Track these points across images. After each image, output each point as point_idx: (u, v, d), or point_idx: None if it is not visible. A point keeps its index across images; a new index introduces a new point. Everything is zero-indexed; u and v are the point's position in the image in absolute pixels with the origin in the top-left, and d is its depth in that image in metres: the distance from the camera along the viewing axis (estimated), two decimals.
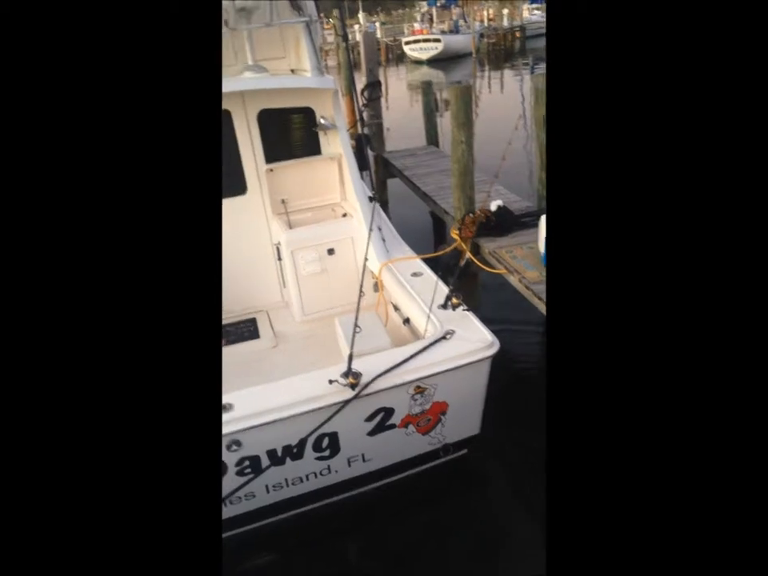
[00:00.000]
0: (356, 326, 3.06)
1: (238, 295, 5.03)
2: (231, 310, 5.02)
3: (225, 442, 2.85)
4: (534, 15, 41.33)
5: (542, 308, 4.19)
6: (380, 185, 8.56)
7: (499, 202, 5.40)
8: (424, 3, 42.29)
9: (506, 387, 4.27)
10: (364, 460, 3.37)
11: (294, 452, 3.06)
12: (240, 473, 3.00)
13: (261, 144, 4.73)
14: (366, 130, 7.57)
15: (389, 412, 3.19)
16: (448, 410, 3.40)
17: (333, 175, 5.01)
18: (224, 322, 4.93)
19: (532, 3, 42.76)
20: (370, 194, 4.95)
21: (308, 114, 4.75)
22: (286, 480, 3.23)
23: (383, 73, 10.19)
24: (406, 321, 4.01)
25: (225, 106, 4.53)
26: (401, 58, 36.71)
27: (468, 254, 4.70)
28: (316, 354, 4.27)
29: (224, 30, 4.15)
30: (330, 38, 25.91)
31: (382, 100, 10.27)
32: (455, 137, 5.42)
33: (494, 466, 4.05)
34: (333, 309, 4.65)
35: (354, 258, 4.71)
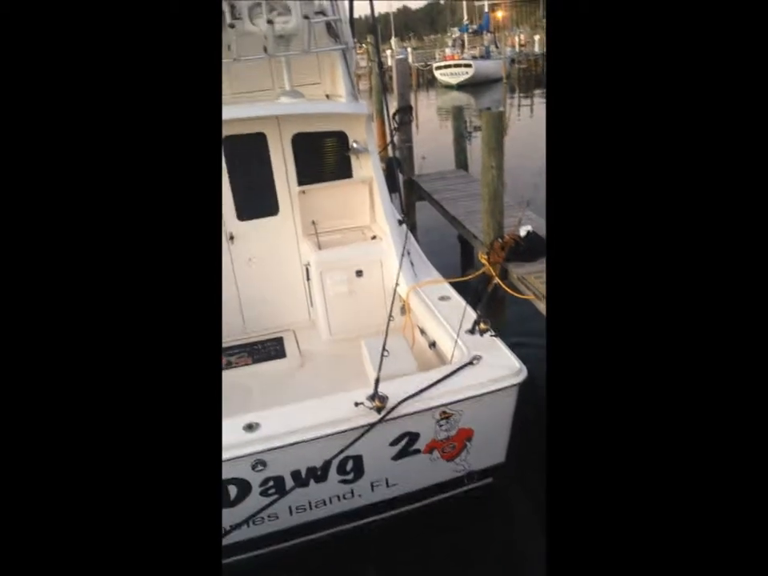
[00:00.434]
0: (384, 349, 3.06)
1: (265, 313, 5.09)
2: (258, 328, 5.08)
3: (250, 461, 2.86)
4: None
5: None
6: (409, 208, 8.61)
7: (529, 228, 5.38)
8: (456, 29, 42.87)
9: (533, 415, 4.21)
10: (388, 485, 3.35)
11: (318, 474, 3.06)
12: (264, 493, 3.00)
13: (294, 166, 4.82)
14: (396, 154, 7.65)
15: (414, 437, 3.17)
16: (473, 436, 3.36)
17: (363, 198, 5.06)
18: (251, 340, 4.99)
19: None
20: (400, 218, 4.99)
21: (341, 137, 4.83)
22: (310, 502, 3.22)
23: (414, 97, 10.30)
24: (433, 344, 4.00)
25: (260, 129, 4.64)
26: (431, 83, 37.12)
27: (496, 279, 4.68)
28: (342, 375, 4.27)
29: (262, 55, 4.28)
30: (363, 62, 26.39)
31: (413, 124, 10.39)
32: (485, 162, 5.44)
33: (518, 495, 3.97)
34: (359, 330, 4.67)
35: (381, 280, 4.73)
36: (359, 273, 4.68)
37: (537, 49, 40.39)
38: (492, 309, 4.98)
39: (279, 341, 4.94)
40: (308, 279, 4.89)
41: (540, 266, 5.12)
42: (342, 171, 4.95)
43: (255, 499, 2.97)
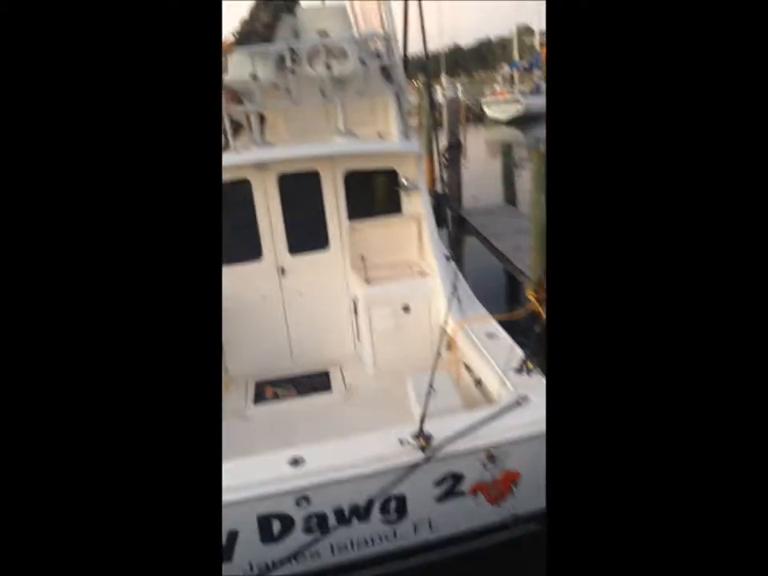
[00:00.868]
0: (431, 387, 3.06)
1: (312, 346, 5.16)
2: (305, 360, 5.15)
3: (294, 496, 2.88)
4: None
5: None
6: (457, 243, 8.64)
7: None
8: (506, 65, 43.27)
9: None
10: (431, 527, 3.29)
11: (360, 513, 3.04)
12: (307, 530, 3.00)
13: (345, 202, 4.94)
14: (445, 189, 7.73)
15: (458, 478, 3.12)
16: (519, 480, 3.29)
17: (412, 234, 5.12)
18: (297, 372, 5.06)
19: None
20: (447, 253, 5.01)
21: (391, 175, 4.93)
22: (351, 541, 3.20)
23: (463, 132, 10.42)
24: (478, 382, 3.96)
25: (314, 167, 4.80)
26: (481, 118, 37.41)
27: (544, 317, 4.62)
28: (386, 410, 4.27)
29: (320, 99, 4.44)
30: (412, 98, 26.87)
31: (461, 159, 10.49)
32: (534, 198, 5.44)
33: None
34: (405, 365, 4.66)
35: (428, 316, 4.74)
36: (406, 308, 4.70)
37: None
38: (540, 347, 4.90)
39: (325, 374, 4.99)
40: (355, 313, 4.95)
41: None
42: (392, 207, 5.04)
43: (298, 536, 2.98)
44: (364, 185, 4.99)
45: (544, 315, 4.75)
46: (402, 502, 3.11)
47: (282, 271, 5.03)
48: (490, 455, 3.10)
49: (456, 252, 8.33)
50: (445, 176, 8.83)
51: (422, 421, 2.96)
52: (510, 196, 9.61)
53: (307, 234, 5.02)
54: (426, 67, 6.88)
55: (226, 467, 3.05)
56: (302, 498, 2.89)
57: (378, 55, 4.81)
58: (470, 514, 3.35)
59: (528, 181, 5.56)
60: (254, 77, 4.15)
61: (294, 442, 4.06)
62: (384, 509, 3.10)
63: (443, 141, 9.32)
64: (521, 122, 32.83)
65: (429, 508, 3.19)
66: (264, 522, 2.90)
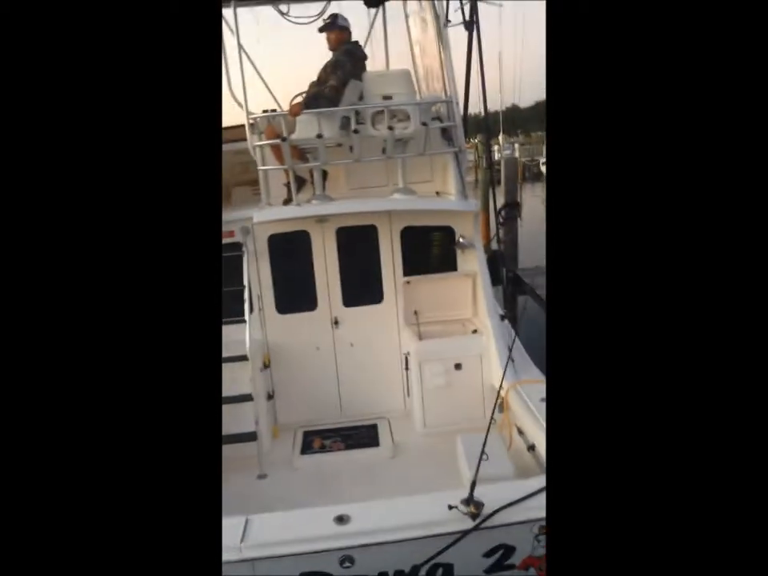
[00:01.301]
0: (483, 452, 2.97)
1: (361, 399, 5.14)
2: (354, 413, 5.12)
3: (338, 556, 2.81)
4: None
5: None
6: (511, 301, 8.55)
7: None
8: None
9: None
10: None
11: None
12: None
13: (401, 258, 5.00)
14: (500, 247, 7.72)
15: (509, 550, 2.98)
16: None
17: (466, 291, 5.11)
18: (345, 425, 5.03)
19: None
20: (502, 313, 4.96)
21: (448, 232, 4.98)
22: None
23: (519, 190, 10.52)
24: (531, 447, 3.81)
25: (372, 221, 4.91)
26: (537, 177, 37.53)
27: None
28: (434, 471, 4.16)
29: (381, 157, 4.58)
30: (470, 156, 27.30)
31: (518, 217, 10.49)
32: None
33: None
34: (455, 424, 4.57)
35: (480, 375, 4.66)
36: (458, 366, 4.64)
37: None
38: None
39: (373, 428, 4.93)
40: (406, 368, 4.92)
41: None
42: (447, 264, 5.06)
43: None
44: (420, 241, 5.05)
45: None
46: (448, 570, 2.98)
47: (336, 322, 5.08)
48: (544, 528, 2.96)
49: (511, 311, 8.23)
50: (501, 234, 8.83)
51: (473, 487, 2.87)
52: None
53: (362, 286, 5.09)
54: (484, 126, 7.02)
55: (272, 518, 3.04)
56: (346, 559, 2.82)
57: (439, 117, 4.95)
58: None
59: None
60: (320, 136, 4.33)
61: (339, 497, 4.00)
62: None
63: (500, 199, 9.38)
64: None
65: None
66: None
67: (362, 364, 5.13)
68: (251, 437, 4.39)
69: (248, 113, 4.86)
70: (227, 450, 4.38)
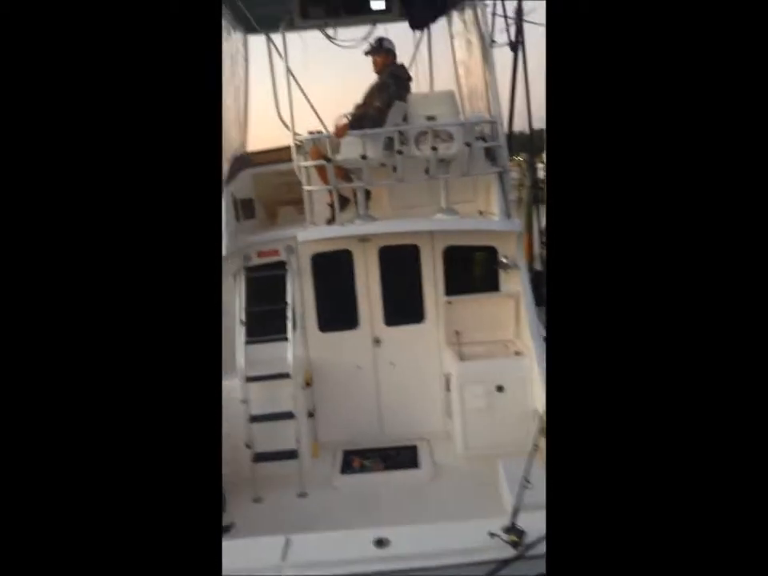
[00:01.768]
0: (526, 480, 2.90)
1: (401, 419, 5.11)
2: (393, 433, 5.09)
3: None
4: None
5: None
6: None
7: None
8: None
9: None
10: None
11: None
12: None
13: (443, 277, 4.97)
14: (544, 268, 7.60)
15: None
16: None
17: (509, 312, 5.04)
18: (384, 445, 5.00)
19: None
20: (545, 335, 4.86)
21: (491, 252, 4.93)
22: None
23: None
24: None
25: (415, 241, 4.92)
26: None
27: None
28: (475, 496, 4.09)
29: (424, 177, 4.60)
30: (514, 174, 27.02)
31: None
32: None
33: None
34: (497, 449, 4.48)
35: (523, 398, 4.56)
36: (500, 388, 4.56)
37: None
38: None
39: (413, 449, 4.89)
40: (447, 389, 4.87)
41: None
42: (490, 284, 5.01)
43: None
44: (463, 260, 5.02)
45: None
46: None
47: (377, 342, 5.09)
48: None
49: None
50: (545, 254, 8.69)
51: (515, 515, 2.80)
52: None
53: (404, 306, 5.09)
54: (529, 144, 6.97)
55: (313, 539, 3.03)
56: None
57: (483, 138, 4.94)
58: None
59: None
60: (364, 157, 4.39)
61: (379, 518, 3.97)
62: None
63: (544, 218, 9.25)
64: None
65: None
66: None
67: (402, 384, 5.11)
68: (292, 455, 4.41)
69: (294, 134, 4.96)
70: (268, 468, 4.44)
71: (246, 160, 5.62)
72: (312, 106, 6.23)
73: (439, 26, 5.76)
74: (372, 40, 5.01)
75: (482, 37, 4.56)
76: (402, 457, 4.81)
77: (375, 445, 5.01)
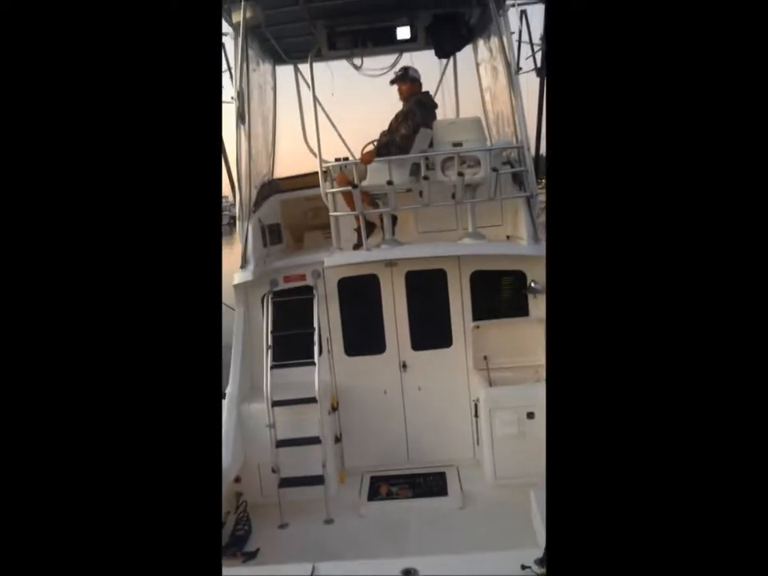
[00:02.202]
0: None
1: (429, 445, 5.04)
2: (421, 459, 5.02)
3: None
4: None
5: None
6: None
7: None
8: None
9: None
10: None
11: None
12: None
13: (470, 302, 4.94)
14: None
15: None
16: None
17: (539, 337, 4.96)
18: (413, 471, 4.93)
19: None
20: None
21: (519, 277, 4.90)
22: None
23: None
24: None
25: (441, 266, 4.91)
26: None
27: None
28: (506, 526, 3.98)
29: (450, 202, 4.61)
30: (542, 197, 26.95)
31: None
32: None
33: None
34: (528, 477, 4.37)
35: None
36: (530, 415, 4.48)
37: None
38: None
39: (441, 476, 4.81)
40: (476, 416, 4.79)
41: None
42: (518, 309, 4.96)
43: None
44: (491, 285, 4.99)
45: None
46: None
47: (404, 366, 5.06)
48: None
49: None
50: None
51: (548, 545, 2.72)
52: None
53: (431, 330, 5.06)
54: None
55: (340, 567, 2.99)
56: None
57: (510, 162, 4.95)
58: None
59: None
60: (390, 183, 4.42)
61: (406, 547, 3.90)
62: None
63: None
64: None
65: None
66: None
67: (430, 409, 5.06)
68: (318, 480, 4.38)
69: (321, 161, 5.04)
70: (294, 493, 4.41)
71: (273, 186, 5.72)
72: (339, 134, 6.35)
73: (465, 53, 5.84)
74: (397, 69, 5.10)
75: (507, 64, 4.59)
76: (430, 484, 4.74)
77: (403, 471, 4.94)
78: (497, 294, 5.01)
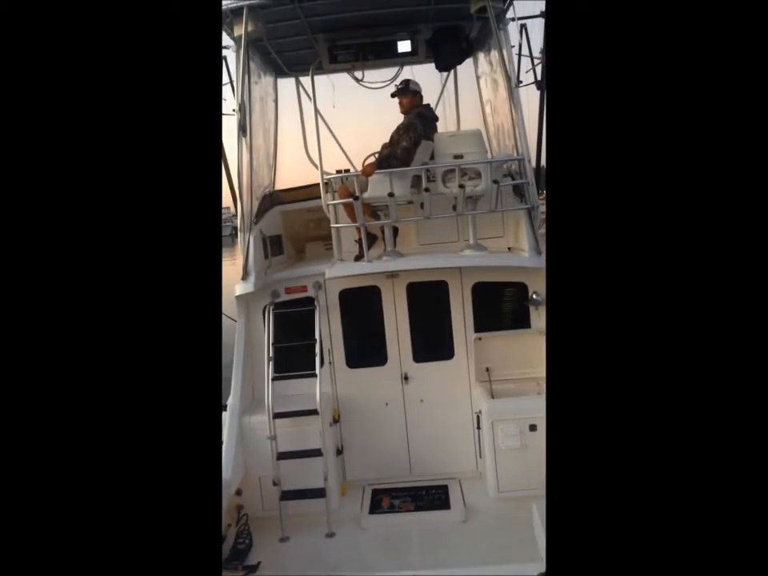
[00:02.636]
0: None
1: (432, 458, 5.01)
2: (423, 472, 4.99)
3: None
4: None
5: None
6: None
7: None
8: None
9: None
10: None
11: None
12: None
13: (472, 313, 4.94)
14: None
15: None
16: None
17: (541, 349, 4.95)
18: (415, 484, 4.90)
19: None
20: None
21: (521, 288, 4.90)
22: None
23: None
24: None
25: (443, 277, 4.91)
26: None
27: None
28: (508, 539, 3.95)
29: (451, 214, 4.62)
30: (543, 209, 26.96)
31: None
32: None
33: None
34: (531, 490, 4.34)
35: None
36: (533, 427, 4.45)
37: None
38: None
39: (444, 489, 4.78)
40: (478, 428, 4.77)
41: None
42: (520, 321, 4.96)
43: None
44: (492, 297, 4.99)
45: None
46: None
47: (406, 378, 5.04)
48: None
49: None
50: None
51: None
52: None
53: (432, 342, 5.05)
54: None
55: None
56: None
57: (511, 174, 4.96)
58: None
59: None
60: (391, 195, 4.44)
61: (408, 561, 3.87)
62: None
63: None
64: None
65: None
66: None
67: (432, 421, 5.04)
68: (320, 493, 4.36)
69: (322, 173, 5.06)
70: (296, 506, 4.38)
71: (275, 198, 5.74)
72: (340, 146, 6.38)
73: (465, 67, 5.88)
74: (398, 82, 5.13)
75: (508, 77, 4.61)
76: (433, 497, 4.71)
77: (404, 483, 4.91)
78: (498, 306, 5.01)
